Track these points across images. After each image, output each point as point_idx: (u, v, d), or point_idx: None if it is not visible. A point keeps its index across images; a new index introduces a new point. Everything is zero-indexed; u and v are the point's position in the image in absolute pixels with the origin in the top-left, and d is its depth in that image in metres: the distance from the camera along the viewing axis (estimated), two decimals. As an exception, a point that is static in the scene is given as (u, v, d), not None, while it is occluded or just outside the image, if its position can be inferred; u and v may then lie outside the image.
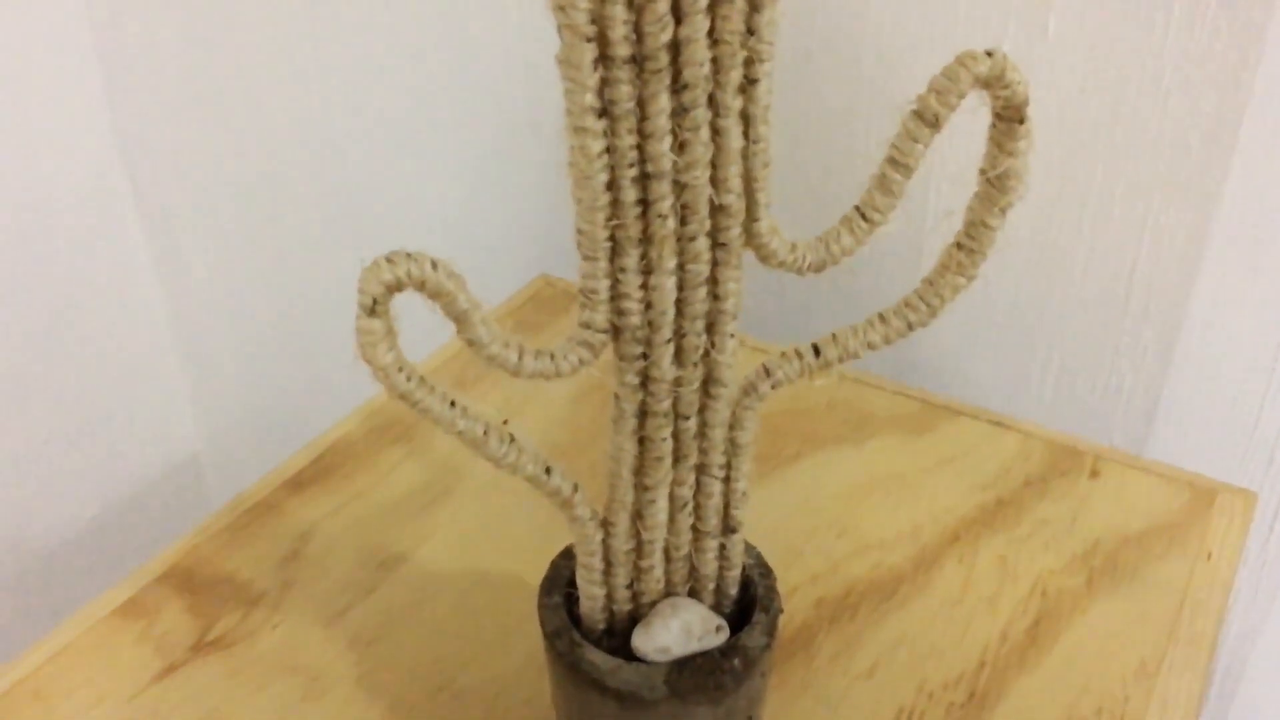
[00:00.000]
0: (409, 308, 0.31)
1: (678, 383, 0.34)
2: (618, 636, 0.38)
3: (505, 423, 0.33)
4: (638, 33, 0.28)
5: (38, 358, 0.68)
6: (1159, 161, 0.57)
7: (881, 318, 0.35)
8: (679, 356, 0.33)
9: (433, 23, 0.72)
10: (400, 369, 0.31)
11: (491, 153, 0.77)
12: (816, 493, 0.55)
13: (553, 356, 0.32)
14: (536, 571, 0.40)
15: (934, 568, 0.50)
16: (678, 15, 0.28)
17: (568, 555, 0.39)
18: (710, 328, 0.33)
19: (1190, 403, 0.63)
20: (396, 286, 0.29)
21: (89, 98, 0.64)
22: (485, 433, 0.33)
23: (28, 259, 0.66)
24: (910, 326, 0.35)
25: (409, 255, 0.29)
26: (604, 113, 0.29)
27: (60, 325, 0.69)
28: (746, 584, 0.39)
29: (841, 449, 0.57)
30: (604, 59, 0.28)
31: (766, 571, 0.39)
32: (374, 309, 0.29)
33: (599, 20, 0.27)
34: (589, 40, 0.28)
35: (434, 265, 0.29)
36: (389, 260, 0.29)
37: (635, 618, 0.38)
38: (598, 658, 0.36)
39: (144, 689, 0.46)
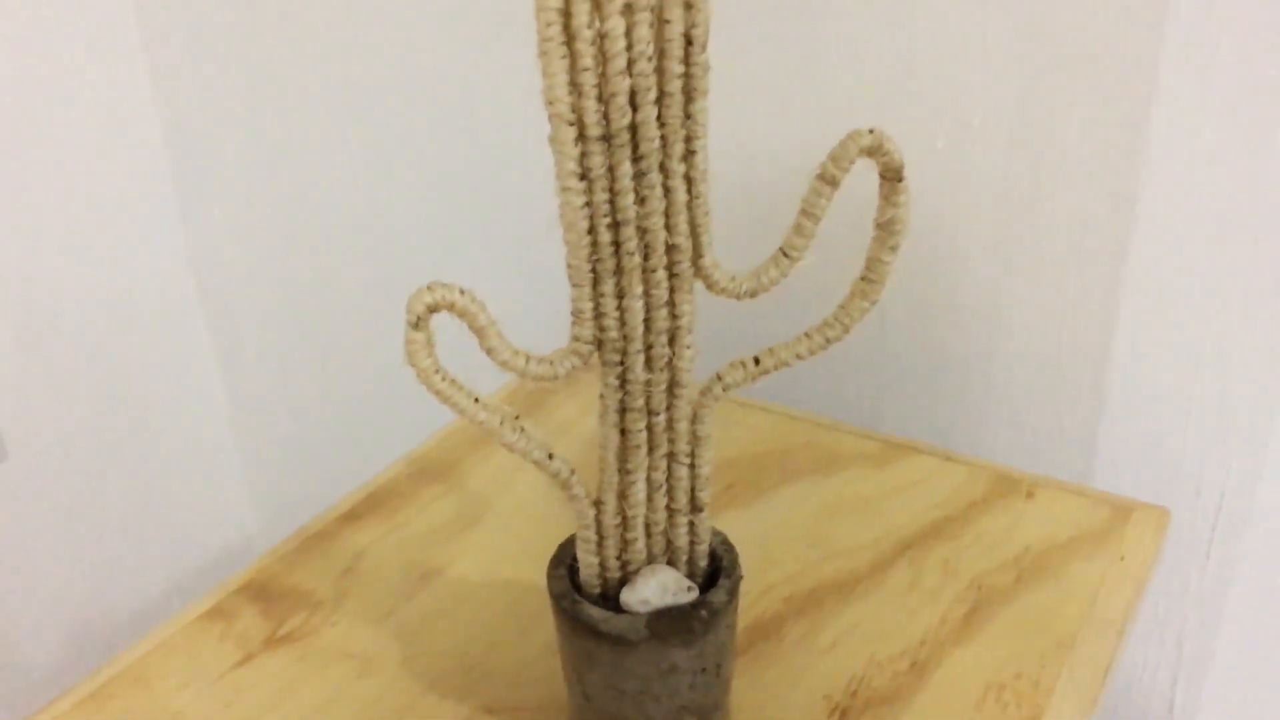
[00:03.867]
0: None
1: (649, 384, 0.44)
2: (610, 600, 0.47)
3: (516, 417, 0.44)
4: (606, 119, 0.39)
5: (112, 449, 0.78)
6: (1074, 233, 0.67)
7: (807, 335, 0.45)
8: (649, 363, 0.43)
9: (467, 138, 0.85)
10: (436, 371, 0.41)
11: (518, 245, 0.89)
12: (792, 514, 0.64)
13: (552, 362, 0.43)
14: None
15: (888, 569, 0.59)
16: (634, 105, 0.39)
17: (570, 540, 0.49)
18: (672, 340, 0.43)
19: (1123, 442, 0.72)
20: (435, 306, 0.40)
21: (164, 213, 0.76)
22: (501, 422, 0.43)
23: (106, 362, 0.76)
24: (828, 341, 0.45)
25: (443, 284, 0.40)
26: (583, 177, 0.40)
27: (133, 421, 0.79)
28: (714, 557, 0.49)
29: (814, 479, 0.67)
30: (582, 138, 0.39)
31: (730, 548, 0.49)
32: (417, 324, 0.40)
33: (577, 110, 0.38)
34: (570, 124, 0.39)
35: (461, 292, 0.40)
36: (429, 288, 0.40)
37: (623, 583, 0.47)
38: (593, 611, 0.46)
39: (226, 673, 0.55)
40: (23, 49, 0.66)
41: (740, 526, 0.59)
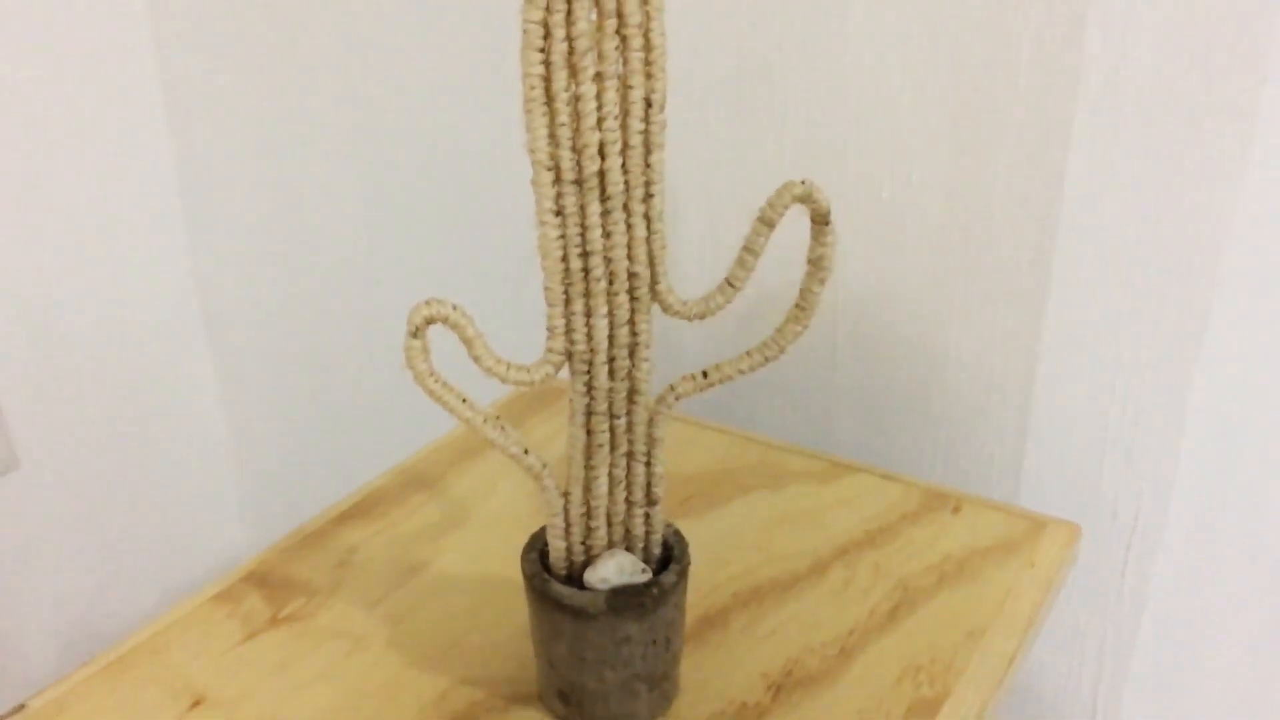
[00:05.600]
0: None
1: (611, 391, 0.51)
2: (575, 580, 0.55)
3: (498, 417, 0.51)
4: (578, 166, 0.47)
5: (116, 462, 0.84)
6: (1000, 278, 0.75)
7: (748, 353, 0.52)
8: (611, 373, 0.51)
9: (459, 179, 0.92)
10: (430, 374, 0.48)
11: (503, 270, 0.96)
12: (742, 523, 0.71)
13: (529, 370, 0.50)
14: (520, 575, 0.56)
15: (825, 571, 0.67)
16: (603, 155, 0.47)
17: (541, 529, 0.56)
18: (632, 354, 0.51)
19: (1046, 467, 0.80)
20: (431, 319, 0.47)
21: (171, 239, 0.82)
22: (484, 421, 0.50)
23: (113, 379, 0.82)
24: (766, 359, 0.52)
25: (438, 300, 0.47)
26: (559, 214, 0.47)
27: (135, 436, 0.85)
28: (667, 545, 0.56)
29: (764, 494, 0.74)
30: (558, 180, 0.47)
31: (680, 538, 0.56)
32: (416, 333, 0.47)
33: (555, 158, 0.46)
34: (549, 170, 0.47)
35: (454, 307, 0.48)
36: (426, 303, 0.47)
37: (587, 565, 0.54)
38: (560, 588, 0.53)
39: (232, 648, 0.62)
40: (38, 77, 0.73)
41: (695, 533, 0.66)
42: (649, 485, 0.54)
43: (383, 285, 0.93)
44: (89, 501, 0.84)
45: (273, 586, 0.66)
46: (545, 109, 0.45)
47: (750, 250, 0.50)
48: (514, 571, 0.62)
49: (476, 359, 0.49)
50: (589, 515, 0.54)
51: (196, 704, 0.58)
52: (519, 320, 0.82)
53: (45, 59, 0.73)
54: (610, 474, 0.53)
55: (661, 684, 0.55)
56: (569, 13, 0.44)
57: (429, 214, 0.93)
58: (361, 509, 0.74)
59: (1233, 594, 0.79)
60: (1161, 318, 0.73)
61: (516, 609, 0.63)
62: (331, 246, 0.91)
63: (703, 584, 0.65)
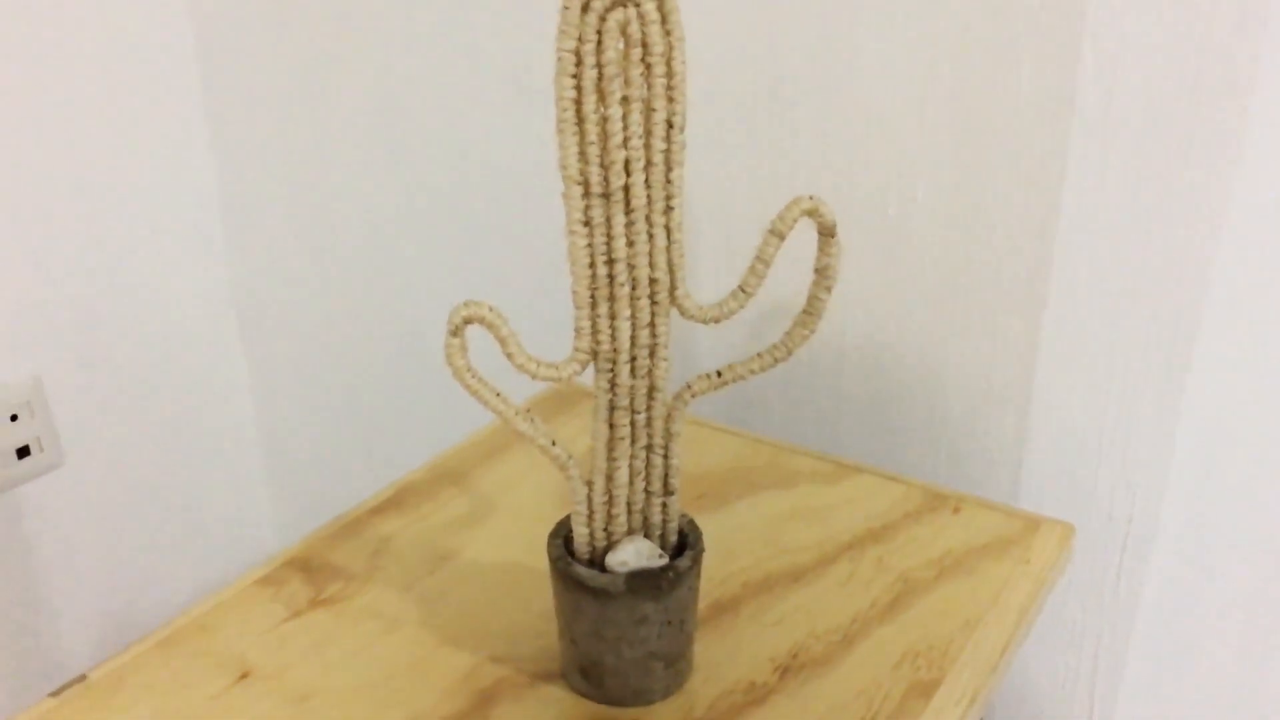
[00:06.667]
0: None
1: (632, 388, 0.56)
2: (597, 564, 0.59)
3: (529, 410, 0.55)
4: (605, 181, 0.51)
5: (153, 467, 0.89)
6: (1000, 290, 0.80)
7: (759, 355, 0.57)
8: (633, 371, 0.55)
9: (496, 193, 0.97)
10: (468, 370, 0.53)
11: (534, 276, 1.01)
12: (752, 519, 0.76)
13: (557, 367, 0.55)
14: (545, 563, 0.60)
15: (830, 565, 0.71)
16: (628, 171, 0.51)
17: (566, 517, 0.61)
18: (652, 354, 0.55)
19: (1044, 472, 0.84)
20: (469, 319, 0.52)
21: (211, 254, 0.87)
22: (515, 414, 0.55)
23: (151, 387, 0.87)
24: (775, 361, 0.56)
25: (476, 302, 0.52)
26: (587, 224, 0.52)
27: (172, 438, 0.89)
28: (682, 533, 0.60)
29: (773, 492, 0.78)
30: (587, 194, 0.51)
31: (695, 527, 0.60)
32: (455, 331, 0.52)
33: (584, 174, 0.51)
34: (578, 184, 0.51)
35: (490, 309, 0.52)
36: (464, 305, 0.52)
37: (608, 550, 0.59)
38: (583, 571, 0.57)
39: (276, 626, 0.66)
40: (92, 109, 0.78)
41: (709, 527, 0.71)
42: (666, 476, 0.58)
43: (418, 292, 0.98)
44: (128, 498, 0.89)
45: (313, 571, 0.71)
46: (576, 129, 0.50)
47: (762, 260, 0.54)
48: (537, 560, 0.66)
49: (510, 356, 0.53)
50: (610, 503, 0.58)
51: (244, 676, 0.62)
52: (548, 323, 0.86)
53: (88, 73, 0.78)
54: (630, 465, 0.58)
55: (676, 663, 0.60)
56: (599, 42, 0.49)
57: (465, 226, 0.98)
58: (395, 501, 0.78)
59: (1224, 593, 0.83)
60: (1154, 327, 0.77)
61: (539, 594, 0.67)
62: (366, 255, 0.96)
63: (715, 574, 0.69)
